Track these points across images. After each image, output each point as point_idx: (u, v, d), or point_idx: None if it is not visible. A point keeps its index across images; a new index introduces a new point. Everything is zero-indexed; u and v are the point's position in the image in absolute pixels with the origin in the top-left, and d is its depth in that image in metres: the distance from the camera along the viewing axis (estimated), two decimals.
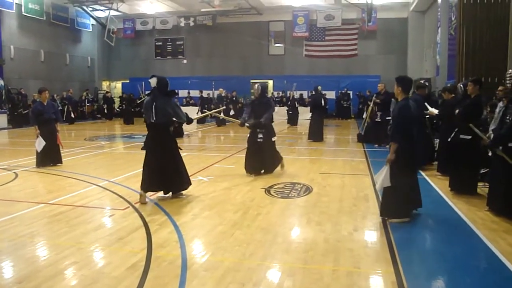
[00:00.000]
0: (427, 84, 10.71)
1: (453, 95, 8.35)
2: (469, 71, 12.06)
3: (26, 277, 3.89)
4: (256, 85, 8.72)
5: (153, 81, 6.45)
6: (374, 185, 7.62)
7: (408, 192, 5.46)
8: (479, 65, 12.07)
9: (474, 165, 6.89)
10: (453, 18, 15.38)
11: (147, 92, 6.91)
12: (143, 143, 6.64)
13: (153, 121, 6.40)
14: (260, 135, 8.41)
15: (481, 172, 7.27)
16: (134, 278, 3.87)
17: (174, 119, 6.54)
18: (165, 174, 6.47)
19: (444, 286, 3.85)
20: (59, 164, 9.63)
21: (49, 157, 9.51)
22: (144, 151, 6.60)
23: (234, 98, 23.32)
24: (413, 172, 5.65)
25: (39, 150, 9.35)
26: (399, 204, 5.42)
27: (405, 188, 5.38)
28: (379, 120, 12.44)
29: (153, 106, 6.35)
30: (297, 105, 22.05)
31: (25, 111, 21.18)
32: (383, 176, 5.37)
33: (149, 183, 6.45)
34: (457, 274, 4.04)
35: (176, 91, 7.34)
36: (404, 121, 5.37)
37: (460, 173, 6.92)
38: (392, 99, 11.08)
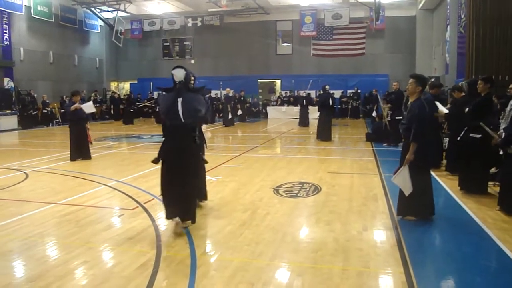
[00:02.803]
0: (441, 83, 10.62)
1: (463, 93, 8.29)
2: (479, 69, 11.95)
3: (37, 277, 3.92)
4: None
5: (179, 74, 5.13)
6: (383, 184, 7.62)
7: (420, 191, 5.39)
8: (489, 63, 11.95)
9: (484, 164, 6.82)
10: (462, 16, 15.28)
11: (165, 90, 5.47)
12: (157, 154, 5.22)
13: (180, 122, 5.01)
14: None
15: (491, 171, 7.20)
16: (144, 278, 3.88)
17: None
18: (183, 197, 5.15)
19: (454, 286, 3.82)
20: (88, 160, 10.47)
21: (79, 153, 10.47)
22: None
23: (242, 98, 23.32)
24: (426, 171, 5.58)
25: (88, 112, 10.54)
26: (414, 202, 5.40)
27: (418, 187, 5.32)
28: (389, 119, 12.38)
29: (179, 103, 4.99)
30: (305, 103, 20.62)
31: (35, 112, 21.40)
32: (408, 179, 5.29)
33: (168, 207, 5.20)
34: (468, 274, 4.01)
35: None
36: (424, 120, 5.30)
37: (470, 172, 6.86)
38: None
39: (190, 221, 5.23)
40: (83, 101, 10.97)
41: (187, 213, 5.20)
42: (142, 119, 24.99)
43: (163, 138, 5.26)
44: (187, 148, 5.14)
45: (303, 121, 20.29)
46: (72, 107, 10.26)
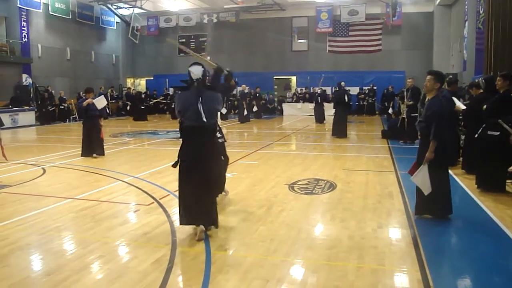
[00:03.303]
0: (458, 79, 10.50)
1: (481, 90, 8.16)
2: (497, 65, 11.71)
3: (54, 270, 3.98)
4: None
5: (197, 71, 4.89)
6: (398, 182, 7.55)
7: (438, 190, 5.30)
8: (508, 60, 11.71)
9: (503, 162, 6.69)
10: (481, 11, 15.02)
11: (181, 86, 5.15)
12: (177, 157, 4.88)
13: (201, 123, 4.69)
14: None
15: (510, 169, 7.07)
16: (159, 273, 3.91)
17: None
18: (204, 204, 4.82)
19: (471, 285, 3.77)
20: (102, 156, 10.50)
21: (91, 149, 10.47)
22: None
23: (257, 95, 23.30)
24: (444, 169, 5.50)
25: (99, 107, 10.53)
26: (431, 201, 5.32)
27: (436, 186, 5.23)
28: (405, 116, 12.26)
29: (200, 103, 4.69)
30: (320, 100, 20.23)
31: (52, 108, 21.67)
32: (427, 178, 5.19)
33: (185, 213, 4.84)
34: (485, 273, 3.95)
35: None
36: (443, 118, 5.22)
37: (487, 170, 6.76)
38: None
39: (213, 226, 4.99)
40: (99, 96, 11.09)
41: (210, 220, 4.90)
42: (157, 116, 25.17)
43: (182, 140, 4.93)
44: (208, 151, 4.82)
45: (319, 117, 20.16)
46: (84, 102, 10.40)
